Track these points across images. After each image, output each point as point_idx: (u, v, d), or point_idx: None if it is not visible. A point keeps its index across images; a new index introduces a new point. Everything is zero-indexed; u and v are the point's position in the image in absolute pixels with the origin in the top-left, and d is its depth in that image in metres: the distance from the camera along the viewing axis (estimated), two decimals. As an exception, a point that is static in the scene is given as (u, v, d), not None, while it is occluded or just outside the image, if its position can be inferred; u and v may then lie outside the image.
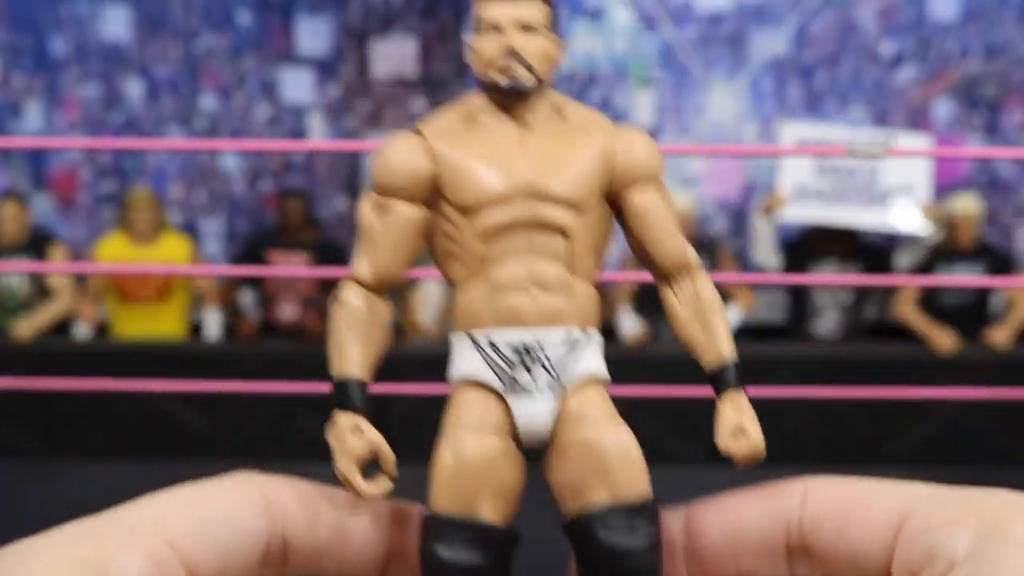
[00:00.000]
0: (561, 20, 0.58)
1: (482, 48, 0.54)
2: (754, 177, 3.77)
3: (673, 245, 0.56)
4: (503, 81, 0.54)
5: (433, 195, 0.54)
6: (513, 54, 0.54)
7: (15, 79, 3.80)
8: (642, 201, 0.55)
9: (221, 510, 0.50)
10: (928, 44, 3.70)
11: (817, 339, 3.28)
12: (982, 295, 3.23)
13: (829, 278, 3.12)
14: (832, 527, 0.50)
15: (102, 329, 3.31)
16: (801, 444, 2.53)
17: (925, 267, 3.21)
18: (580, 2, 3.67)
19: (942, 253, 3.21)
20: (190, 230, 3.78)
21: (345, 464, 0.52)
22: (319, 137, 3.81)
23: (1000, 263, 3.22)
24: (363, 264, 0.55)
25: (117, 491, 0.49)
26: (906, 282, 3.07)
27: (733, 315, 3.20)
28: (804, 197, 3.15)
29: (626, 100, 3.75)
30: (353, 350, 0.53)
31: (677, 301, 0.56)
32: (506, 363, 0.53)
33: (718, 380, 0.55)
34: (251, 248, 3.40)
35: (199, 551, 0.47)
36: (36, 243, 3.27)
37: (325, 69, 3.82)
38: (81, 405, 2.92)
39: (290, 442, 2.56)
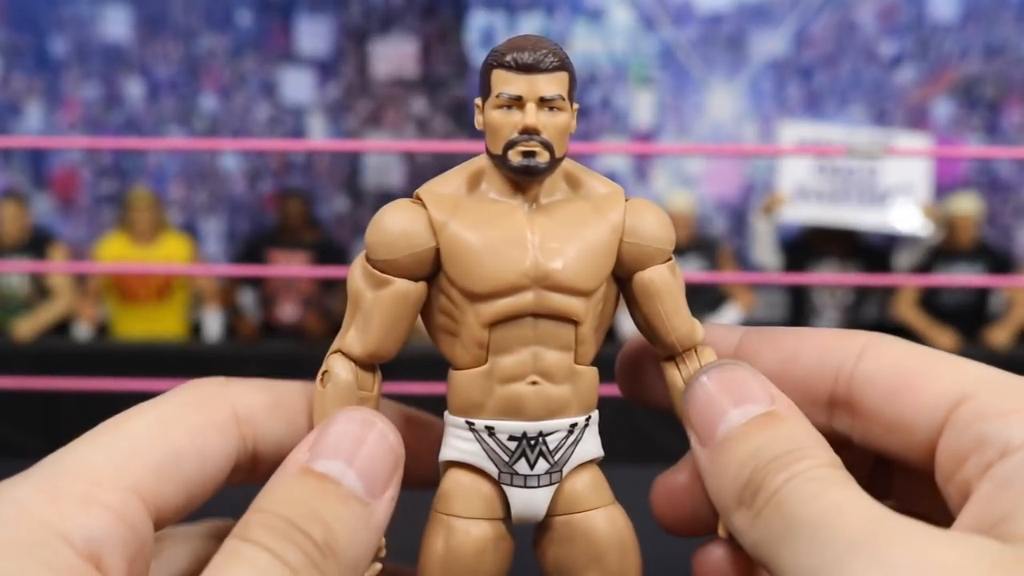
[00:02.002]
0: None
1: (497, 124, 0.50)
2: (754, 177, 3.77)
3: (680, 323, 0.52)
4: (519, 162, 0.49)
5: (432, 269, 0.50)
6: (533, 134, 0.49)
7: (15, 79, 3.80)
8: (651, 277, 0.52)
9: (187, 439, 0.46)
10: (928, 44, 3.70)
11: (817, 339, 3.27)
12: (981, 295, 3.23)
13: (829, 278, 3.11)
14: (883, 391, 0.47)
15: (103, 329, 3.31)
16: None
17: (925, 267, 3.21)
18: (580, 2, 3.67)
19: (942, 253, 3.21)
20: (190, 230, 3.78)
21: None
22: (319, 137, 3.81)
23: (1000, 263, 3.22)
24: (353, 339, 0.50)
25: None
26: (906, 282, 3.07)
27: (733, 315, 3.20)
28: (804, 197, 3.15)
29: (626, 100, 3.75)
30: None
31: (681, 379, 0.53)
32: (505, 452, 0.50)
33: None
34: (251, 248, 3.40)
35: (165, 491, 0.45)
36: (36, 243, 3.27)
37: (325, 69, 3.82)
38: (82, 405, 2.91)
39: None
